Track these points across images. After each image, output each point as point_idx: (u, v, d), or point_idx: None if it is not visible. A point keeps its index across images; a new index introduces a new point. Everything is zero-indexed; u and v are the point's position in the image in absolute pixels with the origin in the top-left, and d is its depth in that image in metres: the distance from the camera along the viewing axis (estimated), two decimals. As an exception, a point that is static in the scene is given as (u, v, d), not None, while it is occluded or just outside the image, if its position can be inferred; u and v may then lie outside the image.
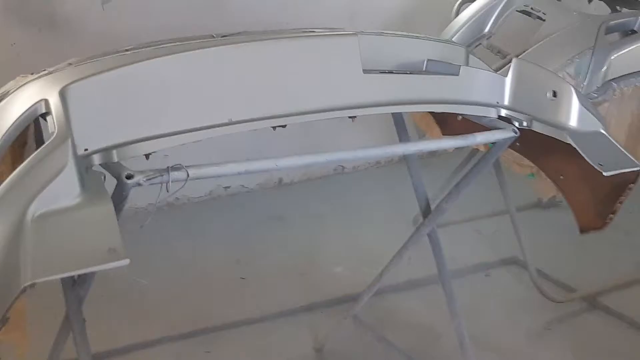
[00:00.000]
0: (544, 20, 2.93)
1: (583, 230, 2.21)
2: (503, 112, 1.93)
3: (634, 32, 2.94)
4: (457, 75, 1.84)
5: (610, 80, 2.82)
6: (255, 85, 1.54)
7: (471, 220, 3.88)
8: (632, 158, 1.94)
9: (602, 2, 3.37)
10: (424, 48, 1.95)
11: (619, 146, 1.96)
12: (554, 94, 1.93)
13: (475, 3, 3.11)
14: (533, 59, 2.69)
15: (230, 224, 3.98)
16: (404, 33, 1.96)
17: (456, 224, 3.68)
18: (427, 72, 1.87)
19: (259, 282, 3.36)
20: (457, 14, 3.29)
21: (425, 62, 1.88)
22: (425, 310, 3.07)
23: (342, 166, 4.57)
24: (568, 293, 3.26)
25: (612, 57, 2.77)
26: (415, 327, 2.98)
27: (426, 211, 2.30)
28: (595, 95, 2.80)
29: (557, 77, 2.00)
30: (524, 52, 2.85)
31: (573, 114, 1.93)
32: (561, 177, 2.21)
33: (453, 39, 3.00)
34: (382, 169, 4.67)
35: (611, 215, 2.10)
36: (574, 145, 1.87)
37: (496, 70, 2.78)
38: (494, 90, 1.95)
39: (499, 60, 2.94)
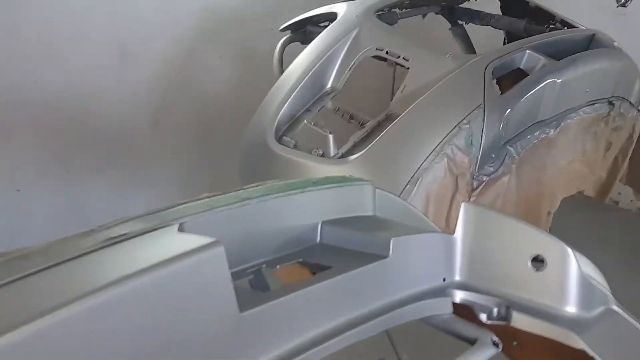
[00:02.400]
0: (406, 68, 2.09)
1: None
2: (457, 297, 1.10)
3: (521, 71, 2.20)
4: (387, 256, 1.04)
5: (506, 144, 2.07)
6: None
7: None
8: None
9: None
10: (310, 205, 1.09)
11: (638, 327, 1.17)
12: (539, 262, 1.09)
13: (307, 48, 2.22)
14: (406, 132, 1.89)
15: None
16: (271, 185, 1.08)
17: None
18: (323, 247, 1.10)
19: None
20: (281, 57, 2.40)
21: (319, 227, 1.11)
22: None
23: None
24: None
25: (507, 112, 2.01)
26: None
27: None
28: (492, 168, 2.03)
29: (539, 231, 1.14)
30: (389, 118, 2.02)
31: (572, 289, 1.11)
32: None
33: (288, 101, 2.10)
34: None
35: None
36: (591, 352, 1.07)
37: (351, 149, 1.98)
38: (439, 261, 1.12)
39: (354, 128, 2.08)
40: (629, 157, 2.71)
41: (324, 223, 1.13)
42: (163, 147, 3.22)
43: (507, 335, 1.35)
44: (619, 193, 3.80)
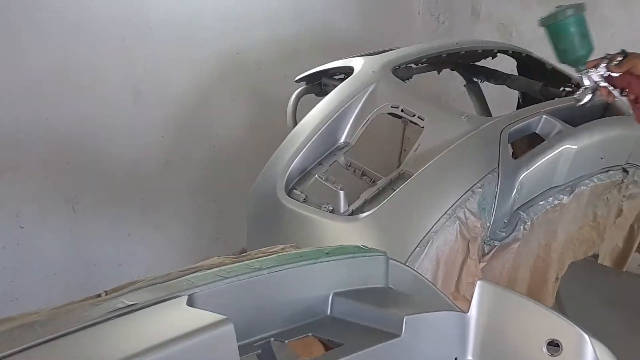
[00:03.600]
0: (421, 127, 2.08)
1: None
2: None
3: (537, 136, 2.18)
4: (400, 335, 1.01)
5: (518, 209, 2.04)
6: None
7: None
8: None
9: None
10: (322, 276, 1.08)
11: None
12: (555, 347, 1.06)
13: (323, 101, 2.21)
14: (418, 192, 1.87)
15: None
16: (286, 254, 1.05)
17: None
18: (334, 321, 1.07)
19: None
20: (295, 109, 2.39)
21: (330, 299, 1.09)
22: None
23: None
24: None
25: (521, 178, 1.99)
26: None
27: None
28: (503, 233, 2.00)
29: (556, 315, 1.11)
30: (401, 177, 1.99)
31: (587, 376, 1.07)
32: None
33: (300, 154, 2.08)
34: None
35: None
36: None
37: (362, 206, 1.95)
38: (452, 340, 1.09)
39: (365, 185, 2.06)
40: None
41: (335, 295, 1.10)
42: (172, 189, 3.21)
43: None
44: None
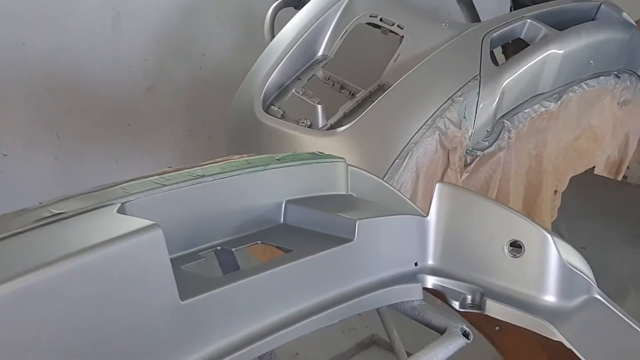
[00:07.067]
0: (401, 36, 2.00)
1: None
2: (429, 283, 1.05)
3: (521, 41, 2.10)
4: (352, 240, 0.98)
5: (502, 117, 1.98)
6: None
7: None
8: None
9: None
10: (272, 183, 1.04)
11: (622, 316, 1.10)
12: (517, 248, 1.03)
13: (299, 13, 2.13)
14: (396, 104, 1.81)
15: None
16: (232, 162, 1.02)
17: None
18: (287, 228, 1.04)
19: None
20: (273, 23, 2.31)
21: (283, 206, 1.05)
22: None
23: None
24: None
25: (504, 85, 1.92)
26: None
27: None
28: (486, 142, 1.95)
29: (518, 215, 1.06)
30: (381, 89, 1.93)
31: (551, 277, 1.04)
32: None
33: (277, 69, 2.02)
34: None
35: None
36: (568, 344, 1.00)
37: (340, 120, 1.90)
38: (410, 244, 1.04)
39: (344, 98, 2.00)
40: (639, 133, 2.62)
41: (288, 202, 1.06)
42: (160, 113, 3.15)
43: (490, 320, 1.29)
44: (627, 167, 3.71)
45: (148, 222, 0.79)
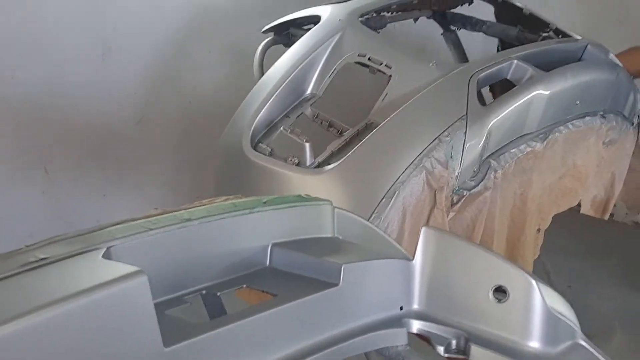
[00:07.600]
0: (389, 75, 2.02)
1: None
2: (415, 327, 1.05)
3: (508, 82, 2.12)
4: (338, 284, 0.98)
5: (488, 157, 2.00)
6: None
7: None
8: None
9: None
10: (259, 226, 1.05)
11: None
12: (502, 293, 1.03)
13: (288, 51, 2.15)
14: (384, 143, 1.83)
15: None
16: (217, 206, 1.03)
17: None
18: (273, 272, 1.04)
19: None
20: (262, 60, 2.33)
21: (269, 250, 1.05)
22: None
23: None
24: None
25: (490, 125, 1.94)
26: None
27: None
28: (473, 182, 1.97)
29: (502, 260, 1.07)
30: (368, 127, 1.95)
31: (536, 322, 1.05)
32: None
33: (266, 106, 2.04)
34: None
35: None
36: None
37: (328, 158, 1.92)
38: (396, 288, 1.06)
39: (332, 137, 2.01)
40: (625, 173, 2.63)
41: (274, 245, 1.06)
42: (147, 146, 3.15)
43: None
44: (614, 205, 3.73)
45: (133, 269, 0.79)
